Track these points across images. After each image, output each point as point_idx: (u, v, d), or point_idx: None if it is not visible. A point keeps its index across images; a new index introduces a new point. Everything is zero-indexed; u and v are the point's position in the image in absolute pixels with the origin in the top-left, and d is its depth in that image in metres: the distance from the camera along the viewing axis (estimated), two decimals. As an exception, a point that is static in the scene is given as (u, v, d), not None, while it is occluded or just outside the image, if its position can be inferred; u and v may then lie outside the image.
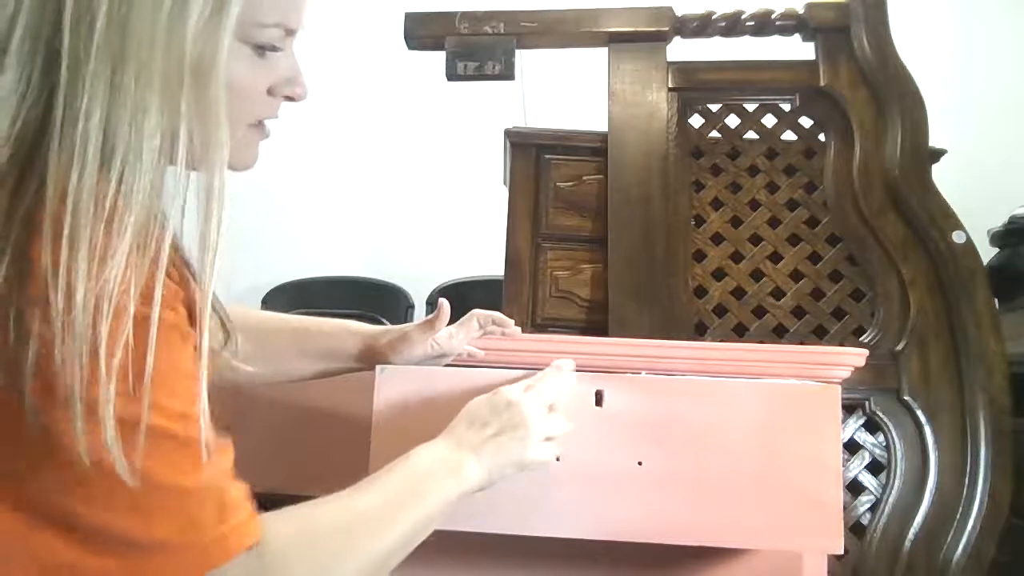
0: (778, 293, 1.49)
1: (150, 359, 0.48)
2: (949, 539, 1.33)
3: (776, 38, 1.62)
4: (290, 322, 0.92)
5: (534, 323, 1.51)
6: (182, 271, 0.54)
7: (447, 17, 1.58)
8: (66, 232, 0.47)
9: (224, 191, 0.54)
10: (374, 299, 2.79)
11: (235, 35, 0.55)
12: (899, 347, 1.41)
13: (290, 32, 0.61)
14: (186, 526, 0.50)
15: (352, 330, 0.92)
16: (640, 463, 0.84)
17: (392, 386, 0.86)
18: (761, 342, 1.42)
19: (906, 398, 1.39)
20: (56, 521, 0.48)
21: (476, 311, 0.92)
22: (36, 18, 0.50)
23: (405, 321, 0.99)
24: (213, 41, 0.53)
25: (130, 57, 0.50)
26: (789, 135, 1.57)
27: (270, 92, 0.62)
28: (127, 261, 0.48)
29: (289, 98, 0.64)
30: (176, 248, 0.53)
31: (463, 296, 2.47)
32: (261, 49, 0.59)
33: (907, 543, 1.34)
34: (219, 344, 0.65)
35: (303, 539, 0.57)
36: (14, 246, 0.47)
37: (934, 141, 1.50)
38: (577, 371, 0.87)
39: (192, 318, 0.54)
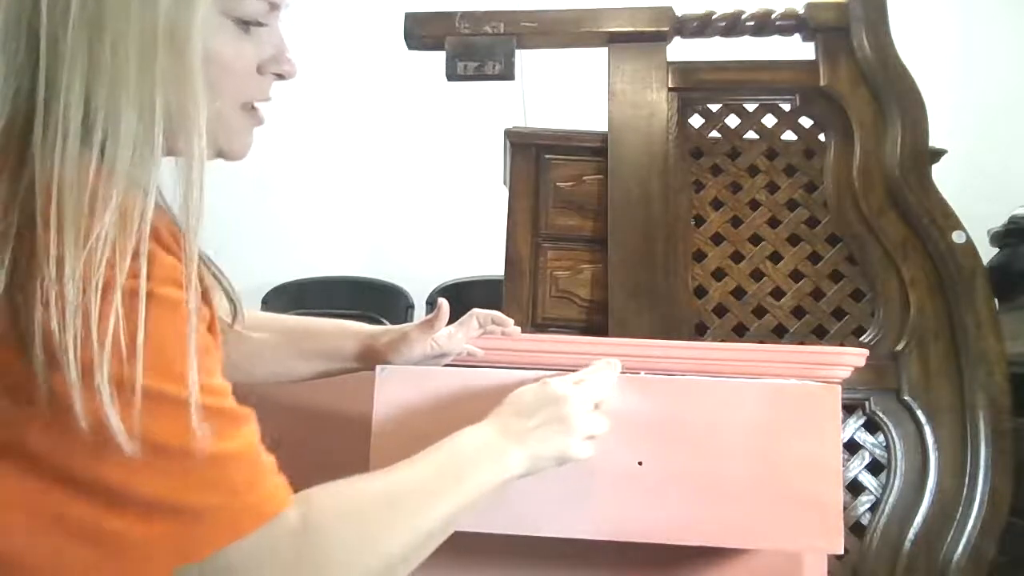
0: (778, 293, 1.49)
1: (158, 333, 0.49)
2: (949, 539, 1.33)
3: (776, 38, 1.62)
4: (289, 323, 0.92)
5: (534, 323, 1.51)
6: (180, 243, 0.54)
7: (447, 17, 1.58)
8: (53, 207, 0.47)
9: (203, 160, 0.54)
10: (374, 299, 2.79)
11: (216, 8, 0.55)
12: (899, 347, 1.41)
13: (274, 6, 0.60)
14: (222, 491, 0.50)
15: (351, 330, 0.91)
16: (640, 463, 0.84)
17: (392, 386, 0.86)
18: (761, 342, 1.42)
19: (906, 398, 1.39)
20: (93, 490, 0.48)
21: (476, 310, 0.92)
22: (16, 1, 0.51)
23: (405, 321, 0.99)
24: (187, 11, 0.53)
25: (106, 29, 0.51)
26: (789, 135, 1.57)
27: (259, 70, 0.61)
28: (111, 233, 0.48)
29: (279, 76, 0.63)
30: (173, 221, 0.54)
31: (463, 296, 2.47)
32: (245, 24, 0.58)
33: (907, 543, 1.34)
34: (227, 315, 0.65)
35: (349, 509, 0.57)
36: (17, 226, 0.47)
37: (934, 141, 1.50)
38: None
39: (203, 292, 0.55)
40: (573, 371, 0.82)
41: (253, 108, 0.63)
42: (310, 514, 0.54)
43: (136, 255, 0.49)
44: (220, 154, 0.62)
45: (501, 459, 0.69)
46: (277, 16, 0.61)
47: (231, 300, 0.66)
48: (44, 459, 0.48)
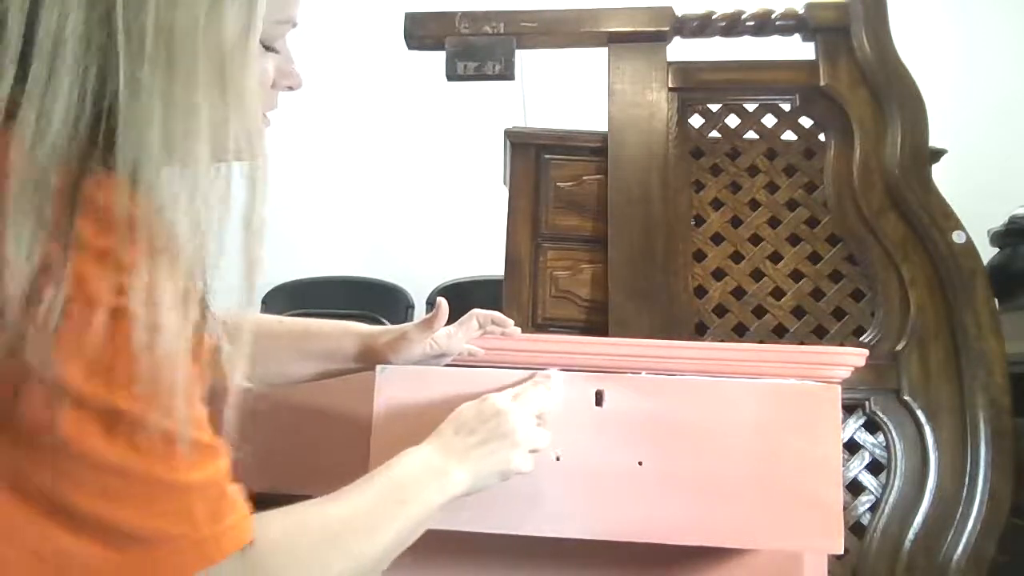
0: (778, 293, 1.49)
1: (164, 365, 0.49)
2: (949, 539, 1.33)
3: (776, 38, 1.62)
4: (288, 324, 0.92)
5: (534, 323, 1.51)
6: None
7: (447, 17, 1.58)
8: (100, 245, 0.48)
9: (268, 176, 0.58)
10: (374, 299, 2.79)
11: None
12: (899, 347, 1.41)
13: (294, 26, 0.63)
14: (182, 521, 0.50)
15: (351, 331, 0.92)
16: (640, 463, 0.84)
17: (392, 386, 0.86)
18: (761, 342, 1.42)
19: (906, 398, 1.39)
20: (56, 510, 0.48)
21: (476, 311, 0.92)
22: (87, 26, 0.51)
23: (405, 321, 0.99)
24: (245, 39, 0.55)
25: (177, 64, 0.52)
26: (789, 135, 1.57)
27: (274, 84, 0.64)
28: (155, 269, 0.49)
29: (288, 88, 0.66)
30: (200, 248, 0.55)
31: (463, 296, 2.46)
32: (272, 46, 0.61)
33: (907, 543, 1.34)
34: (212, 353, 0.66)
35: (289, 541, 0.57)
36: (68, 264, 0.47)
37: (934, 141, 1.50)
38: (577, 371, 0.87)
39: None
40: (517, 385, 0.82)
41: (264, 116, 0.66)
42: (258, 554, 0.55)
43: (181, 297, 0.50)
44: (239, 159, 0.63)
45: (443, 479, 0.70)
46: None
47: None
48: (18, 479, 0.48)
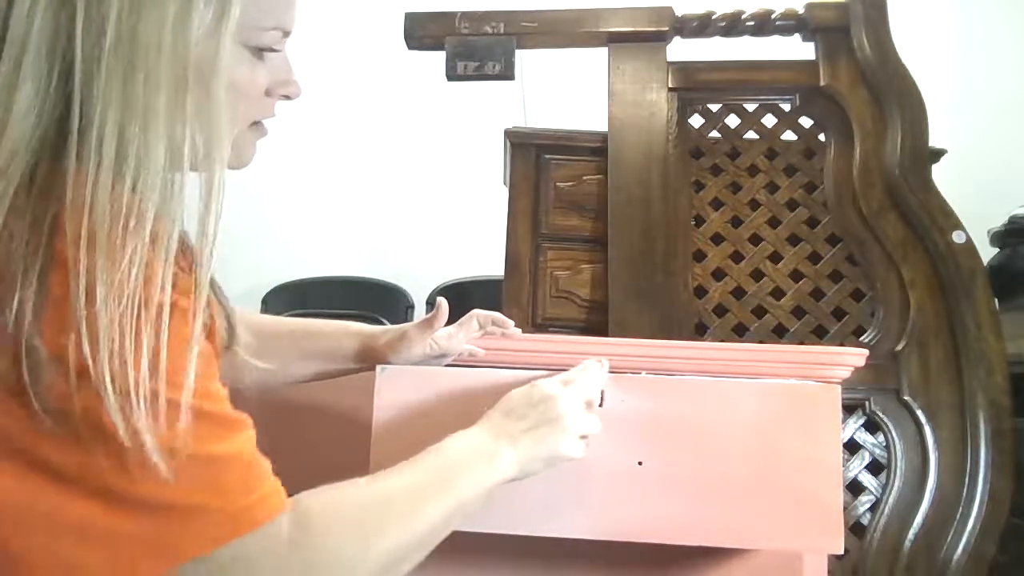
0: (778, 293, 1.49)
1: (168, 344, 0.50)
2: (949, 539, 1.33)
3: (776, 38, 1.62)
4: (288, 324, 0.93)
5: (534, 323, 1.51)
6: (190, 261, 0.56)
7: (447, 17, 1.58)
8: (84, 234, 0.49)
9: (223, 187, 0.56)
10: (374, 299, 2.79)
11: (236, 39, 0.57)
12: (899, 347, 1.41)
13: (287, 33, 0.62)
14: (215, 492, 0.51)
15: (351, 331, 0.92)
16: (640, 463, 0.84)
17: (392, 386, 0.86)
18: (761, 342, 1.42)
19: (906, 398, 1.39)
20: (84, 487, 0.49)
21: (476, 311, 0.92)
22: (50, 30, 0.52)
23: (405, 321, 0.99)
24: (214, 45, 0.55)
25: (139, 65, 0.52)
26: (789, 135, 1.57)
27: (267, 93, 0.64)
28: (141, 258, 0.50)
29: (286, 97, 0.66)
30: (183, 243, 0.55)
31: (463, 296, 2.46)
32: (260, 51, 0.61)
33: (907, 543, 1.34)
34: (223, 341, 0.66)
35: (342, 515, 0.58)
36: (44, 249, 0.49)
37: (934, 141, 1.50)
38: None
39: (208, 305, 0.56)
40: (565, 371, 0.82)
41: (259, 123, 0.66)
42: (302, 519, 0.55)
43: (163, 279, 0.51)
44: (228, 166, 0.63)
45: (492, 461, 0.69)
46: (286, 41, 0.64)
47: (229, 324, 0.68)
48: (40, 459, 0.49)
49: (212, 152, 0.56)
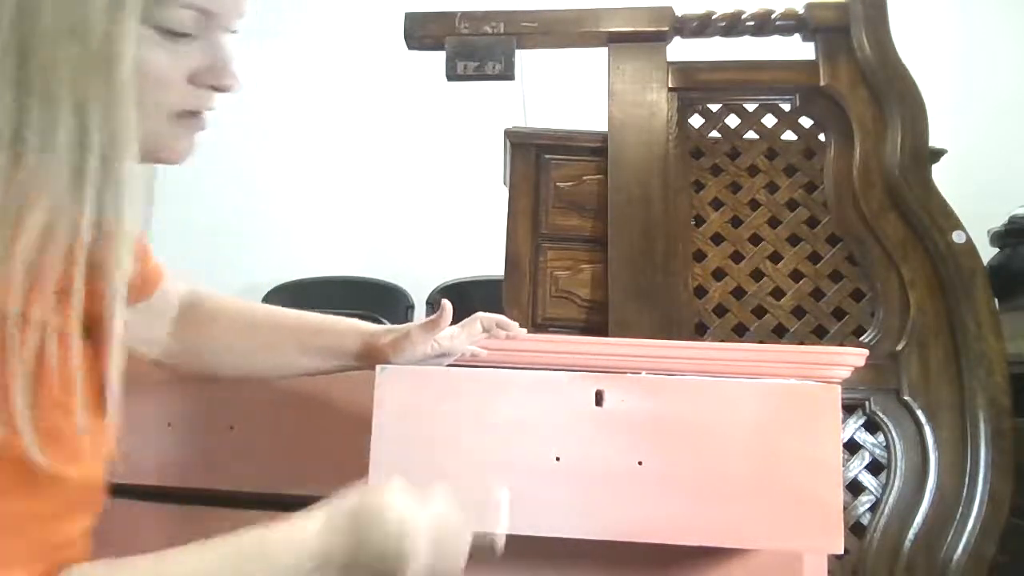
0: (778, 293, 1.49)
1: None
2: (949, 539, 1.33)
3: (776, 38, 1.62)
4: (292, 317, 0.92)
5: (534, 323, 1.51)
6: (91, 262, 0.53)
7: (447, 17, 1.58)
8: None
9: (133, 180, 0.54)
10: (374, 299, 2.78)
11: (142, 20, 0.54)
12: (899, 347, 1.41)
13: (208, 15, 0.58)
14: None
15: (355, 328, 0.91)
16: (640, 463, 0.84)
17: (392, 386, 0.86)
18: (761, 342, 1.42)
19: (906, 398, 1.39)
20: None
21: (480, 314, 0.92)
22: None
23: (405, 321, 0.99)
24: (118, 27, 0.52)
25: (36, 47, 0.51)
26: (789, 135, 1.57)
27: (191, 81, 0.59)
28: (34, 253, 0.48)
29: (216, 88, 0.60)
30: (94, 238, 0.53)
31: (463, 296, 2.46)
32: (171, 34, 0.56)
33: (907, 543, 1.34)
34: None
35: None
36: None
37: (934, 141, 1.50)
38: (577, 371, 0.87)
39: (94, 317, 0.53)
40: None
41: (192, 115, 0.61)
42: None
43: (61, 287, 0.49)
44: (156, 161, 0.61)
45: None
46: (217, 29, 0.59)
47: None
48: None
49: (119, 141, 0.53)
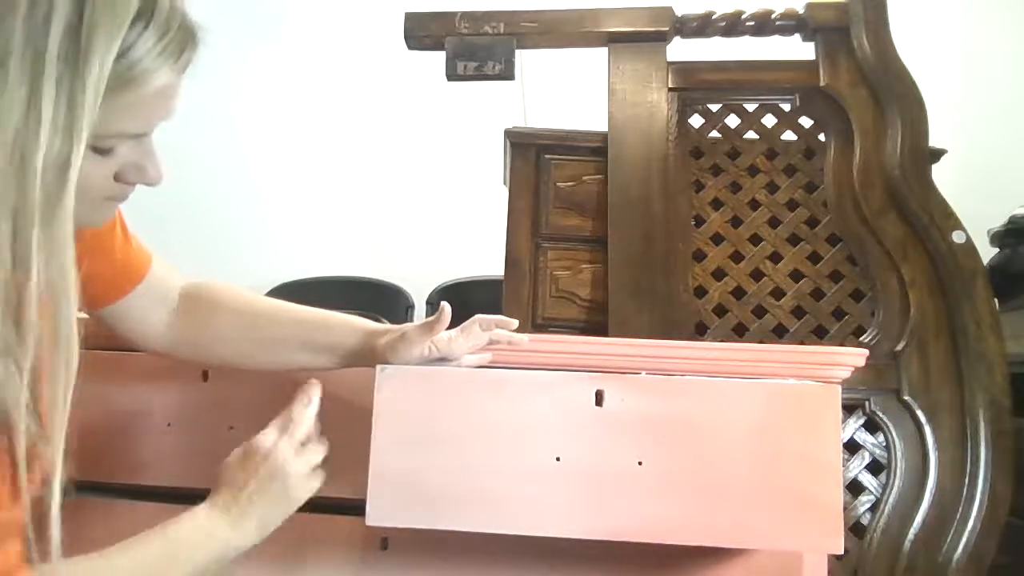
0: (778, 293, 1.49)
1: None
2: (949, 539, 1.33)
3: (776, 38, 1.62)
4: (294, 314, 0.92)
5: (534, 323, 1.51)
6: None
7: (447, 17, 1.58)
8: None
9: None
10: (374, 299, 2.78)
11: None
12: (899, 347, 1.41)
13: (135, 136, 0.64)
14: None
15: (356, 326, 0.91)
16: (640, 463, 0.84)
17: (392, 386, 0.86)
18: (761, 342, 1.42)
19: (906, 398, 1.39)
20: None
21: (478, 316, 0.91)
22: None
23: (405, 321, 0.99)
24: (64, 176, 0.57)
25: None
26: (789, 135, 1.57)
27: (117, 179, 0.65)
28: None
29: (137, 183, 0.67)
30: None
31: (463, 296, 2.46)
32: (100, 151, 0.62)
33: (907, 543, 1.34)
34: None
35: None
36: None
37: (934, 141, 1.50)
38: (577, 371, 0.87)
39: None
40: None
41: (114, 199, 0.68)
42: None
43: None
44: (77, 227, 0.65)
45: (215, 537, 0.73)
46: (146, 136, 0.66)
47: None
48: None
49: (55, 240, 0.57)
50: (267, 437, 0.78)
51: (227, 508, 0.74)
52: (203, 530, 0.72)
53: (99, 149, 0.62)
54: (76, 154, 0.57)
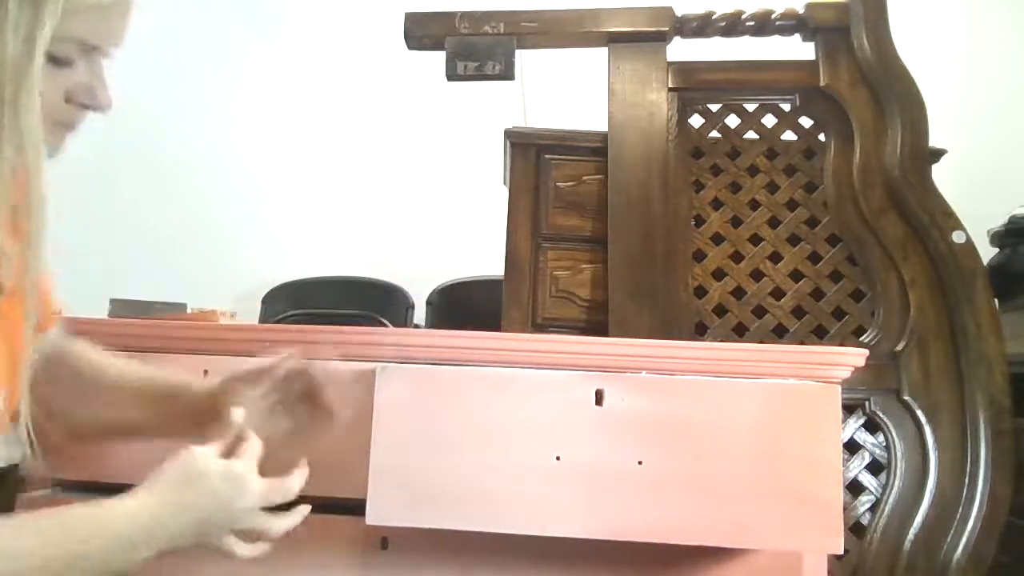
0: (778, 293, 1.49)
1: None
2: (949, 539, 1.33)
3: (776, 38, 1.62)
4: (137, 375, 0.86)
5: (534, 323, 1.51)
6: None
7: (447, 17, 1.58)
8: None
9: (42, 199, 0.61)
10: (374, 299, 2.78)
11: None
12: (899, 347, 1.41)
13: (87, 46, 0.65)
14: None
15: (187, 387, 0.84)
16: (640, 463, 0.84)
17: (392, 385, 0.86)
18: (761, 342, 1.42)
19: (906, 398, 1.39)
20: None
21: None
22: None
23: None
24: (27, 63, 0.59)
25: None
26: (789, 135, 1.57)
27: (67, 100, 0.66)
28: None
29: (87, 106, 0.67)
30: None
31: (463, 296, 2.46)
32: (56, 61, 0.63)
33: (907, 543, 1.34)
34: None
35: None
36: None
37: (934, 141, 1.50)
38: (577, 371, 0.87)
39: None
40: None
41: (63, 126, 0.68)
42: None
43: None
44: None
45: (131, 551, 0.65)
46: (95, 55, 0.66)
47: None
48: None
49: (28, 161, 0.59)
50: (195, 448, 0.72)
51: (150, 489, 0.68)
52: (121, 537, 0.65)
53: (55, 57, 0.62)
54: (39, 47, 0.59)
